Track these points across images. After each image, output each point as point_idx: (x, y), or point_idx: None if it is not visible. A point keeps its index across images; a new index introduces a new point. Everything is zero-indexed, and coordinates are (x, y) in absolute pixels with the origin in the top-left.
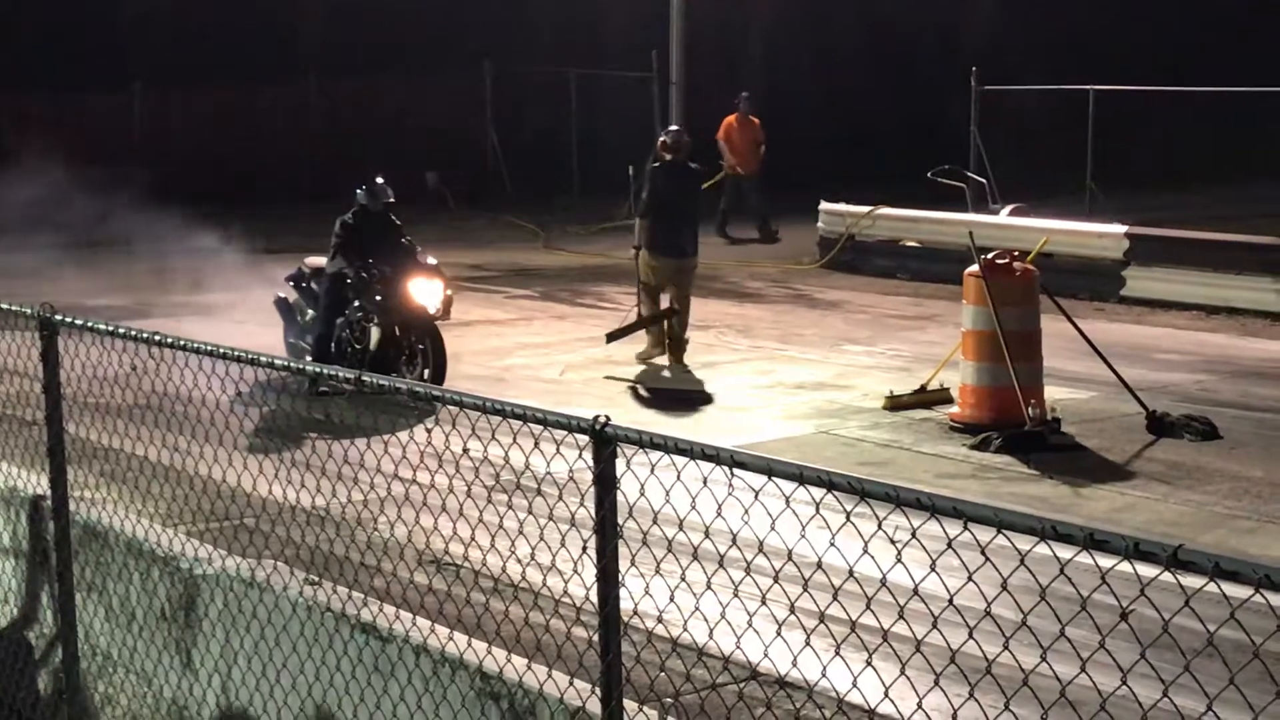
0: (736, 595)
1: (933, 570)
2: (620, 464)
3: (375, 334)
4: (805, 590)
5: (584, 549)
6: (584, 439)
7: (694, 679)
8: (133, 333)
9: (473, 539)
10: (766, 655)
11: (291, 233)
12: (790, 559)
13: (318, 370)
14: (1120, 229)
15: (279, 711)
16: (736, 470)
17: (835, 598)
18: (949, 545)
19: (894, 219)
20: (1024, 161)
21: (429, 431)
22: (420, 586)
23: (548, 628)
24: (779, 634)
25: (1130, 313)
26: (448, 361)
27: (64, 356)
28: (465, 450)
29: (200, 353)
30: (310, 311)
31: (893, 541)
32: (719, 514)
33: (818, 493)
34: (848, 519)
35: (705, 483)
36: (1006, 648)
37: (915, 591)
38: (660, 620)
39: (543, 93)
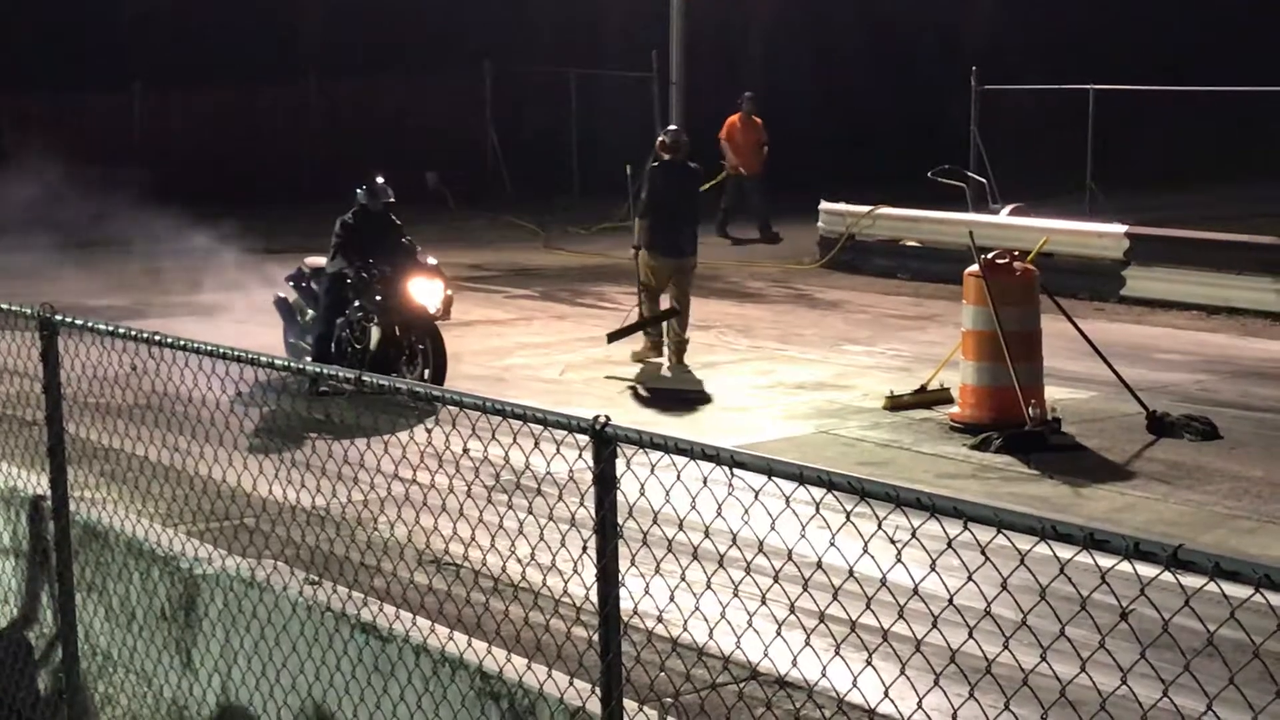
0: (736, 595)
1: (933, 570)
2: (620, 464)
3: (375, 334)
4: (805, 590)
5: (584, 549)
6: (584, 439)
7: (694, 679)
8: (133, 333)
9: (473, 539)
10: (766, 655)
11: (291, 233)
12: (790, 559)
13: (318, 370)
14: (1120, 229)
15: (279, 711)
16: (736, 470)
17: (835, 597)
18: (949, 545)
19: (894, 219)
20: (1024, 161)
21: (429, 431)
22: (420, 586)
23: (548, 627)
24: (779, 634)
25: (1130, 313)
26: (448, 361)
27: (64, 356)
28: (465, 450)
29: (200, 353)
30: (310, 311)
31: (893, 541)
32: (719, 514)
33: (818, 493)
34: (848, 519)
35: (705, 483)
36: (1006, 647)
37: (915, 591)
38: (660, 620)
39: (543, 93)
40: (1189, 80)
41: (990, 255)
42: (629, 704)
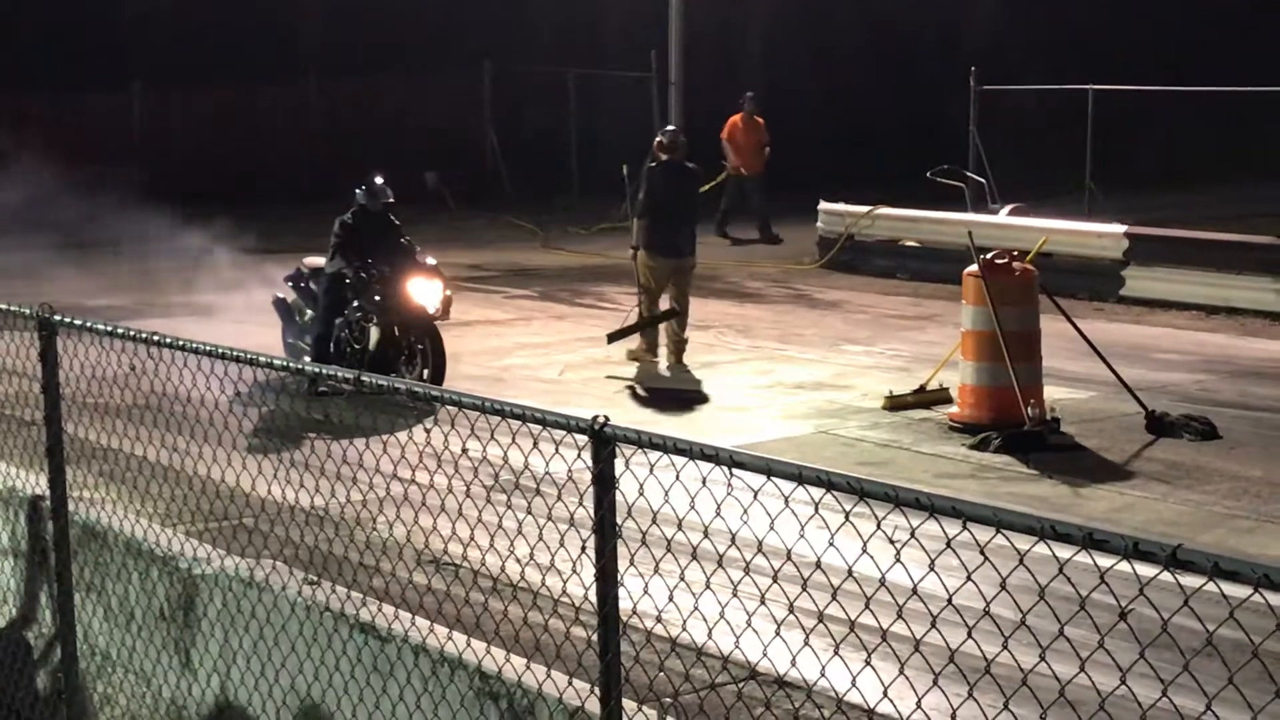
0: (735, 595)
1: (932, 570)
2: (619, 464)
3: (374, 334)
4: (804, 590)
5: (583, 549)
6: (583, 439)
7: (693, 679)
8: (131, 333)
9: (472, 539)
10: (765, 655)
11: (291, 233)
12: (789, 559)
13: (317, 370)
14: (1120, 229)
15: (278, 711)
16: (735, 470)
17: (834, 597)
18: (948, 545)
19: (893, 219)
20: (1023, 161)
21: (428, 431)
22: (419, 586)
23: (547, 627)
24: (778, 634)
25: (1129, 312)
26: (447, 361)
27: (63, 356)
28: (464, 450)
29: (199, 353)
30: (309, 312)
31: (892, 541)
32: (718, 514)
33: (817, 493)
34: (847, 519)
35: (704, 482)
36: (1005, 647)
37: (914, 591)
38: (659, 620)
39: (542, 93)
40: (1189, 80)
41: (989, 255)
42: (628, 704)
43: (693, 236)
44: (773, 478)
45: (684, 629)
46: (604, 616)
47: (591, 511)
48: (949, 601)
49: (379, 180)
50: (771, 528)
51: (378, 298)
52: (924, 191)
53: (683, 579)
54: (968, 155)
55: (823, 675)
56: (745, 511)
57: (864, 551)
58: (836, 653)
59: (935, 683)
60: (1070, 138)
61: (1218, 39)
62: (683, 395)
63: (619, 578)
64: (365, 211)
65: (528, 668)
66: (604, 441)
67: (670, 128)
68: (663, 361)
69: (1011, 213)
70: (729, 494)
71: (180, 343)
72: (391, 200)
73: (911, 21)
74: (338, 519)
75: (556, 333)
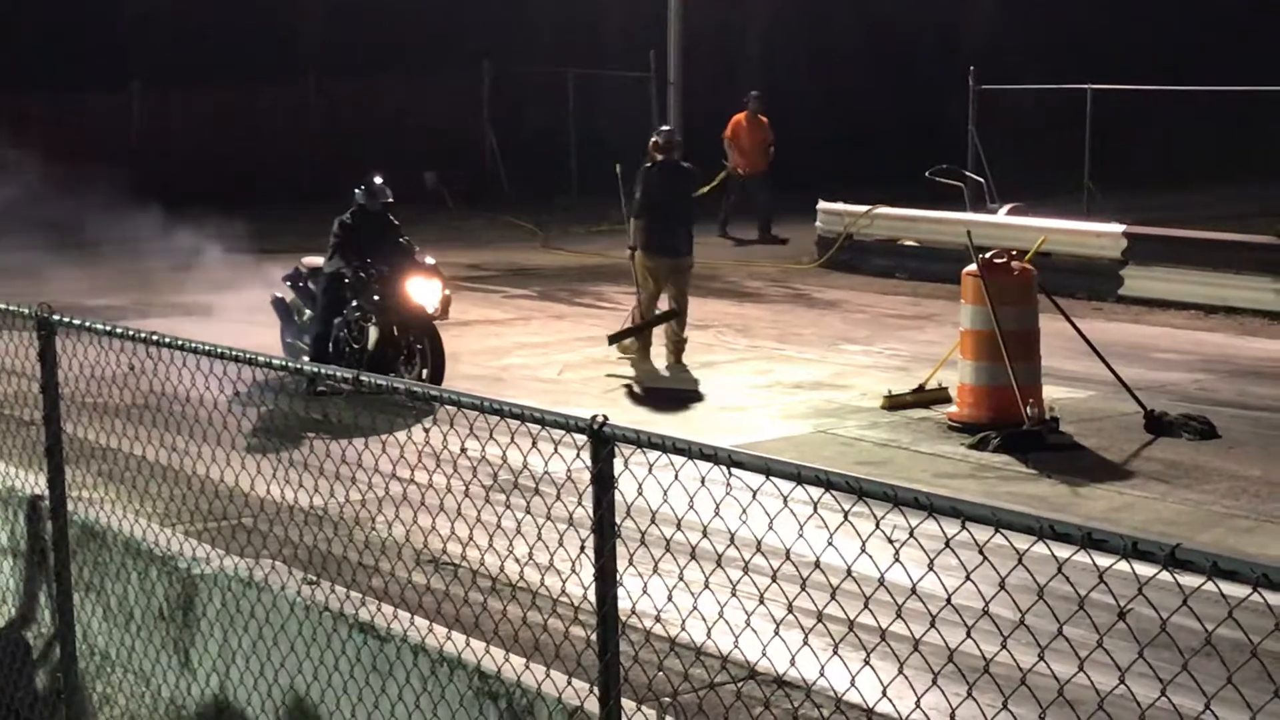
0: (734, 595)
1: (931, 569)
2: (618, 463)
3: (373, 334)
4: (803, 590)
5: (582, 548)
6: (582, 438)
7: (692, 678)
8: (130, 332)
9: (471, 538)
10: (764, 655)
11: (291, 233)
12: (788, 558)
13: (316, 370)
14: (1118, 228)
15: (277, 710)
16: (734, 470)
17: (833, 597)
18: (947, 544)
19: (892, 218)
20: (1022, 161)
21: (427, 431)
22: (418, 586)
23: (546, 627)
24: (777, 633)
25: (1128, 312)
26: (446, 361)
27: (62, 356)
28: (463, 450)
29: (198, 353)
30: (308, 311)
31: (891, 541)
32: (717, 513)
33: (815, 492)
34: (846, 518)
35: (703, 482)
36: (1004, 647)
37: (913, 591)
38: (658, 619)
39: (542, 93)
40: (1189, 80)
41: (988, 255)
42: (627, 703)
43: (689, 236)
44: (771, 477)
45: (683, 628)
46: (603, 616)
47: (590, 511)
48: (948, 601)
49: (378, 180)
50: (770, 527)
51: (376, 297)
52: (923, 191)
53: (681, 578)
54: (966, 155)
55: (822, 675)
56: (744, 511)
57: (863, 551)
58: (835, 652)
59: (934, 682)
60: (1069, 138)
61: (1216, 40)
62: (682, 395)
63: (618, 577)
64: (364, 211)
65: (527, 667)
66: (603, 441)
67: (665, 128)
68: (662, 361)
69: (1010, 212)
70: (728, 494)
71: (179, 342)
72: (391, 200)
73: (911, 23)
74: (337, 519)
75: (555, 332)
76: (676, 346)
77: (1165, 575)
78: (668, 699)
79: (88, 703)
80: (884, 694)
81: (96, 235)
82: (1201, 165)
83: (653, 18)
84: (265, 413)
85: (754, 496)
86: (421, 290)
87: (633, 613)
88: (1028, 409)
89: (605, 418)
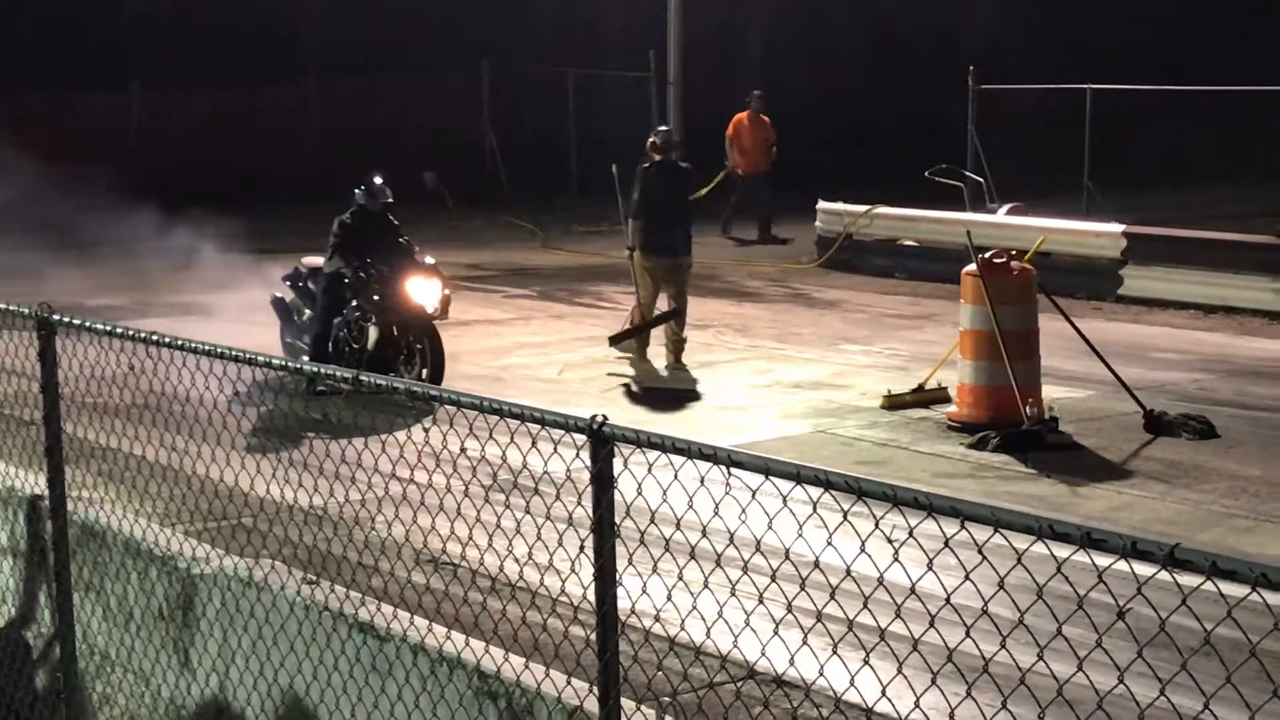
0: (734, 594)
1: (930, 569)
2: (617, 463)
3: (373, 333)
4: (802, 589)
5: (581, 548)
6: (581, 438)
7: (691, 678)
8: (130, 332)
9: (470, 538)
10: (764, 654)
11: (290, 233)
12: (787, 558)
13: (315, 370)
14: (1118, 228)
15: (276, 710)
16: (734, 469)
17: (832, 597)
18: (946, 544)
19: (892, 218)
20: (1022, 161)
21: (427, 431)
22: (418, 585)
23: (545, 627)
24: (776, 633)
25: (1128, 312)
26: (445, 361)
27: (62, 356)
28: (463, 449)
29: (198, 352)
30: (307, 311)
31: (890, 540)
32: (716, 513)
33: (815, 492)
34: (845, 518)
35: (702, 482)
36: (1004, 646)
37: (912, 590)
38: (657, 619)
39: (541, 93)
40: (1189, 80)
41: (988, 254)
42: (626, 703)
43: (688, 236)
44: (771, 477)
45: (682, 628)
46: (602, 616)
47: (590, 511)
48: (947, 601)
49: (378, 180)
50: (770, 527)
51: (376, 297)
52: (923, 191)
53: (681, 578)
54: (966, 155)
55: (821, 674)
56: (743, 511)
57: (862, 551)
58: (835, 652)
59: (933, 682)
60: (1069, 138)
61: (1216, 40)
62: (681, 394)
63: (617, 577)
64: (364, 211)
65: (526, 667)
66: (602, 441)
67: (663, 128)
68: (661, 361)
69: (1010, 212)
70: (727, 493)
71: (179, 342)
72: (390, 200)
73: (910, 23)
74: (336, 518)
75: (555, 332)
76: (676, 346)
77: (1164, 575)
78: (667, 699)
79: (87, 703)
80: (883, 694)
81: (96, 235)
82: (1201, 165)
83: (653, 18)
84: (265, 413)
85: (753, 496)
86: (421, 290)
87: (632, 612)
88: (1027, 409)
89: (605, 417)
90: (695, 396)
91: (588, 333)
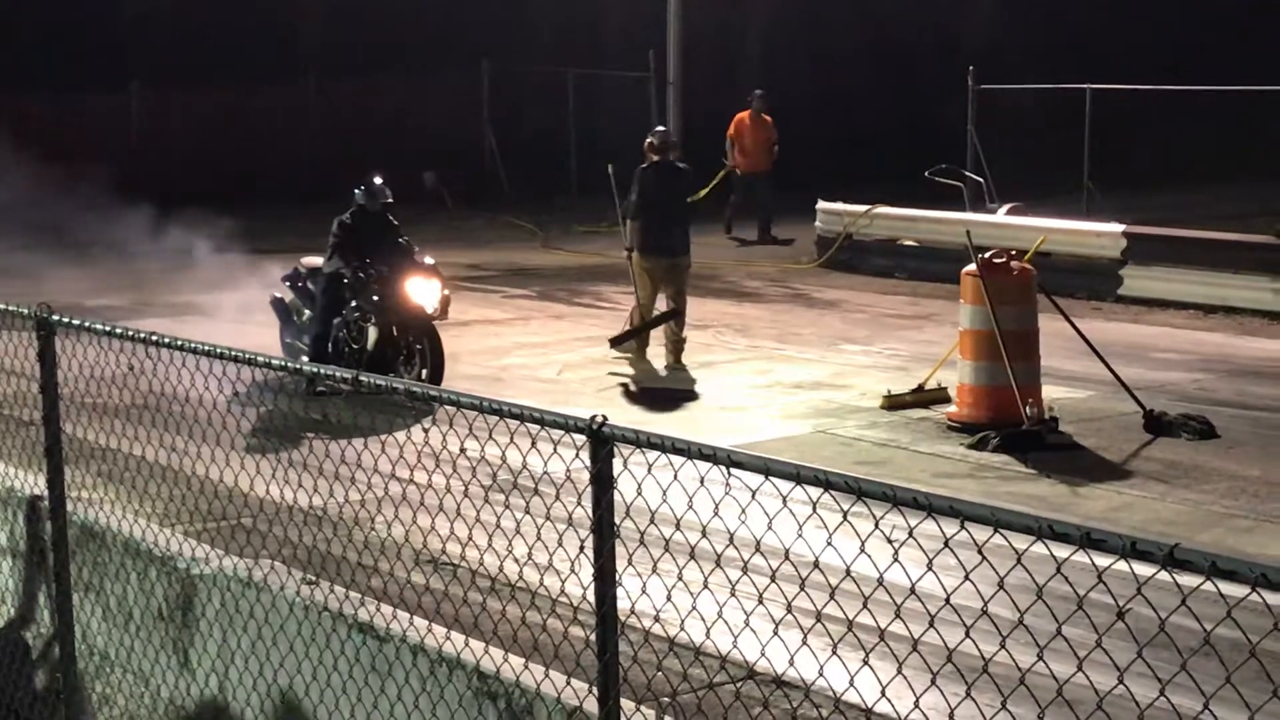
0: (733, 595)
1: (930, 569)
2: (617, 463)
3: (373, 334)
4: (802, 590)
5: (581, 548)
6: (581, 438)
7: (691, 678)
8: (130, 333)
9: (470, 538)
10: (763, 655)
11: (290, 233)
12: (787, 558)
13: (315, 370)
14: (1118, 228)
15: (276, 711)
16: (734, 470)
17: (832, 597)
18: (946, 544)
19: (892, 218)
20: (1022, 161)
21: (426, 431)
22: (418, 586)
23: (545, 627)
24: (776, 633)
25: (1128, 312)
26: (445, 361)
27: (61, 356)
28: (462, 450)
29: (197, 353)
30: (307, 311)
31: (890, 541)
32: (716, 513)
33: (815, 492)
34: (845, 518)
35: (702, 482)
36: (1003, 647)
37: (912, 591)
38: (657, 619)
39: (541, 93)
40: (1189, 80)
41: (988, 254)
42: (626, 703)
43: (686, 236)
44: (771, 477)
45: (682, 628)
46: (602, 616)
47: (589, 511)
48: (947, 601)
49: (378, 180)
50: (769, 527)
51: (376, 297)
52: (922, 191)
53: (681, 579)
54: (966, 155)
55: (821, 675)
56: (743, 511)
57: (862, 551)
58: (834, 652)
59: (933, 682)
60: (1069, 138)
61: (1216, 40)
62: (681, 395)
63: (617, 577)
64: (364, 211)
65: (526, 667)
66: (602, 441)
67: (660, 128)
68: (660, 361)
69: (1009, 212)
70: (727, 494)
71: (178, 343)
72: (390, 200)
73: (910, 23)
74: (336, 519)
75: (555, 332)
76: (675, 346)
77: (1164, 575)
78: (667, 699)
79: (87, 703)
80: (883, 694)
81: (95, 235)
82: (1202, 165)
83: (652, 18)
84: (265, 413)
85: (753, 496)
86: (421, 290)
87: (632, 613)
88: (1027, 409)
89: (604, 418)
90: (695, 397)
91: (587, 333)
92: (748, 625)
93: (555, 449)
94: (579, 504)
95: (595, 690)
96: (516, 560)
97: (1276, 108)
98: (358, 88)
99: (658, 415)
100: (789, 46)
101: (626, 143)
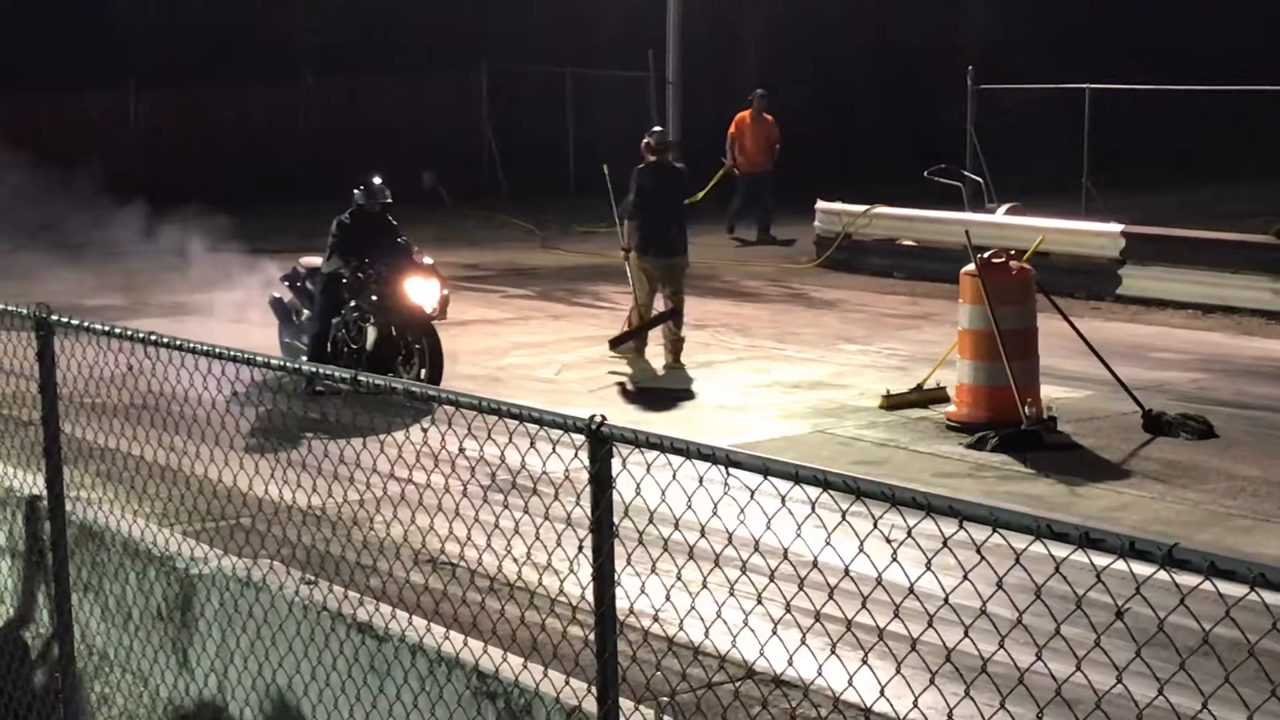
0: (732, 594)
1: (928, 569)
2: (616, 463)
3: (371, 334)
4: (801, 589)
5: (580, 548)
6: (580, 438)
7: (690, 678)
8: (129, 332)
9: (468, 538)
10: (762, 654)
11: (288, 232)
12: (786, 558)
13: (314, 370)
14: (1117, 228)
15: (275, 710)
16: (732, 469)
17: (831, 597)
18: (945, 544)
19: (891, 218)
20: (1021, 161)
21: (425, 431)
22: (416, 585)
23: (544, 627)
24: (775, 633)
25: (1126, 311)
26: (444, 361)
27: (60, 356)
28: (461, 449)
29: (196, 353)
30: (306, 311)
31: (889, 540)
32: (715, 513)
33: (814, 492)
34: (844, 518)
35: (701, 482)
36: (1002, 646)
37: (911, 590)
38: (656, 619)
39: (540, 92)
40: (1189, 80)
41: (987, 254)
42: (625, 703)
43: (683, 235)
44: (770, 477)
45: (681, 628)
46: (601, 616)
47: (588, 511)
48: (945, 600)
49: (377, 180)
50: (768, 527)
51: (375, 297)
52: (921, 191)
53: (679, 578)
54: (965, 155)
55: (819, 674)
56: (742, 511)
57: (861, 551)
58: (833, 652)
59: (932, 682)
60: (1068, 138)
61: (1216, 40)
62: (679, 394)
63: (616, 577)
64: (363, 211)
65: (525, 667)
66: (601, 441)
67: (657, 129)
68: (659, 361)
69: (1008, 212)
70: (726, 493)
71: (177, 342)
72: (389, 200)
73: (910, 23)
74: (335, 518)
75: (554, 332)
76: (674, 346)
77: (1163, 575)
78: (665, 698)
79: (86, 703)
80: (882, 693)
81: (94, 235)
82: (1202, 165)
83: (652, 17)
84: (264, 413)
85: (752, 496)
86: (420, 290)
87: (630, 612)
88: (1026, 408)
89: (603, 417)
90: (693, 396)
91: (586, 333)
92: (746, 625)
93: (554, 449)
94: (578, 503)
95: (594, 689)
96: (515, 560)
97: (1277, 108)
98: (356, 87)
99: (656, 415)
100: (789, 46)
101: (625, 143)
